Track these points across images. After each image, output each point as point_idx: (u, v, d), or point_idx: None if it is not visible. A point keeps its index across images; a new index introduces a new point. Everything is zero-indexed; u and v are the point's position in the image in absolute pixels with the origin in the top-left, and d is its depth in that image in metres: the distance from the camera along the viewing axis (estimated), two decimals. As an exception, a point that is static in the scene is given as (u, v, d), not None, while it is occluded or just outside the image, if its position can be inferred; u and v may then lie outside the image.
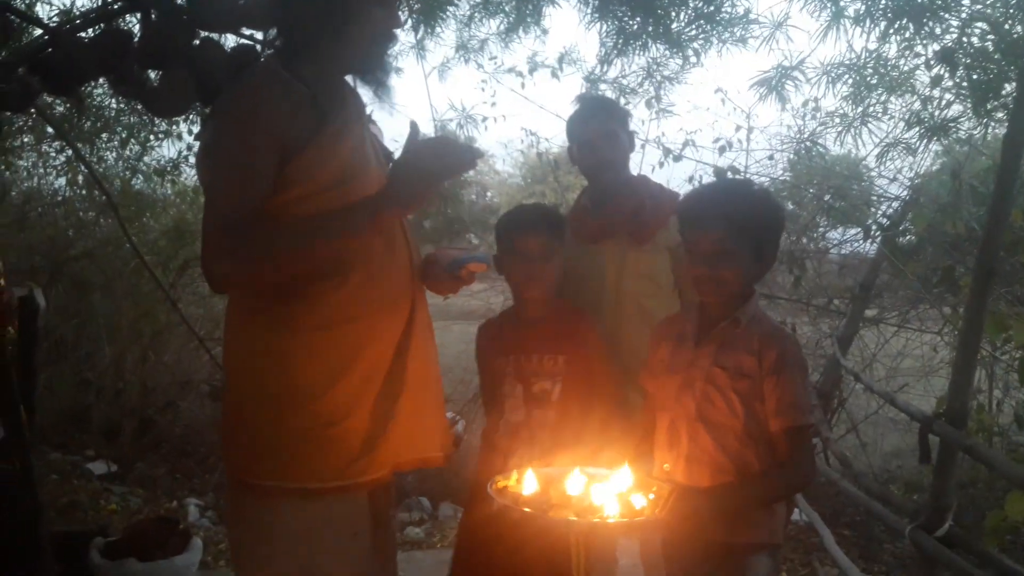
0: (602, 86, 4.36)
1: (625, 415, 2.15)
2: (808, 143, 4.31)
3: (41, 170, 6.00)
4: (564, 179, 7.26)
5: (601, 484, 1.65)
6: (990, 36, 3.41)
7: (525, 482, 1.67)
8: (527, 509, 1.56)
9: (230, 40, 2.85)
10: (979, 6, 3.40)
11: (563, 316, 2.17)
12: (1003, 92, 3.34)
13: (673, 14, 3.80)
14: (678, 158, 4.69)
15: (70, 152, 5.22)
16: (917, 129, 3.80)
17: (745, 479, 1.71)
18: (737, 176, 4.39)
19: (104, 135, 5.45)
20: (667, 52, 4.03)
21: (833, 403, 4.76)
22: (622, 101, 4.23)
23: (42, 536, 2.62)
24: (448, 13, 4.40)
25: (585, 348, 2.14)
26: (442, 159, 1.64)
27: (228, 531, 2.07)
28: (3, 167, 5.37)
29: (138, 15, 2.71)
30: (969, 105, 3.62)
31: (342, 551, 1.70)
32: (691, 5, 3.74)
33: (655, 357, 1.92)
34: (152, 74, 2.78)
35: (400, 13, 1.83)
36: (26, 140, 5.57)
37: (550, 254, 2.13)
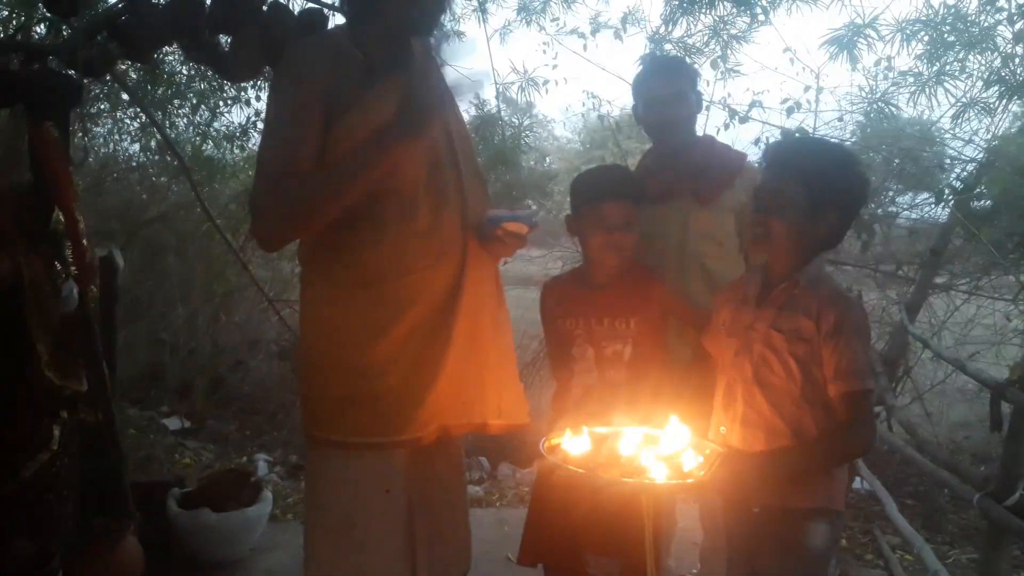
0: (667, 46, 4.29)
1: (690, 375, 2.15)
2: (880, 104, 4.17)
3: (116, 136, 6.20)
4: (625, 144, 7.18)
5: (653, 445, 1.67)
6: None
7: (577, 441, 1.69)
8: (578, 469, 1.58)
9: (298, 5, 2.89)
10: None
11: (633, 278, 2.14)
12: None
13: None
14: (744, 119, 4.58)
15: (144, 119, 5.37)
16: (996, 88, 3.65)
17: (799, 444, 1.69)
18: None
19: (176, 101, 5.59)
20: (734, 10, 3.94)
21: (899, 371, 4.66)
22: (686, 60, 4.15)
23: (125, 486, 2.76)
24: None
25: (655, 309, 2.13)
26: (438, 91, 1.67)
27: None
28: (81, 133, 5.56)
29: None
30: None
31: (373, 507, 1.76)
32: (759, -39, 3.65)
33: (717, 319, 1.92)
34: (223, 39, 2.84)
35: None
36: (102, 107, 5.75)
37: (632, 222, 2.09)
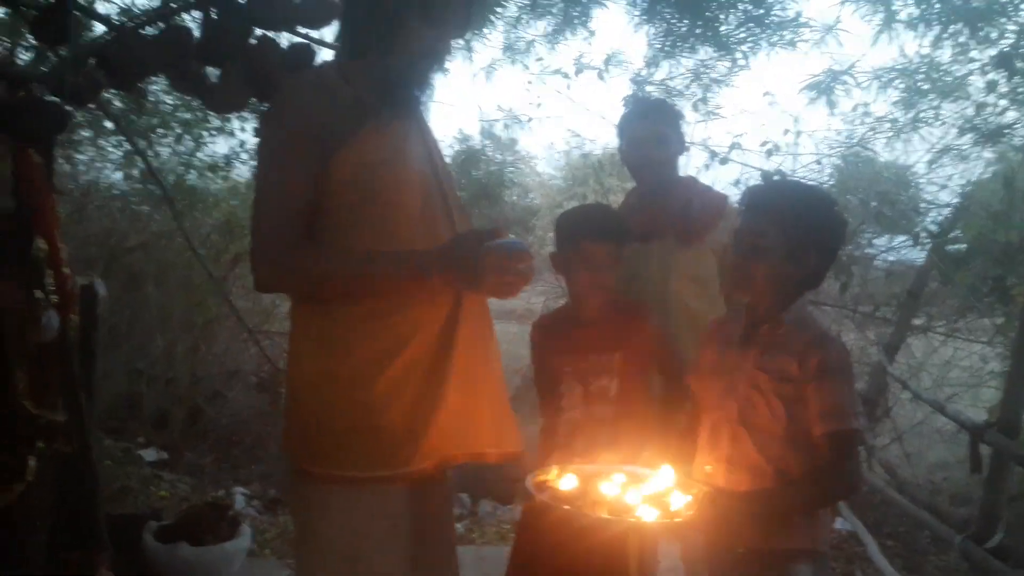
0: (648, 88, 4.36)
1: (675, 413, 2.16)
2: (857, 148, 4.26)
3: (99, 164, 6.18)
4: (607, 181, 7.25)
5: (640, 484, 1.67)
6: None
7: (565, 478, 1.69)
8: (565, 506, 1.59)
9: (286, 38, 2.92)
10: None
11: (618, 313, 2.16)
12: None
13: (722, 16, 3.80)
14: (724, 161, 4.66)
15: (127, 147, 5.36)
16: (970, 135, 3.74)
17: (783, 485, 1.70)
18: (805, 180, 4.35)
19: (160, 130, 5.60)
20: (715, 54, 4.03)
21: (878, 411, 4.69)
22: (670, 102, 4.22)
23: (100, 519, 2.71)
24: (496, 14, 4.45)
25: (639, 345, 2.14)
26: (499, 272, 1.63)
27: (292, 516, 2.13)
28: (63, 160, 5.53)
29: (198, 13, 2.79)
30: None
31: (380, 543, 1.73)
32: (740, 8, 3.74)
33: (703, 358, 1.93)
34: (211, 71, 2.86)
35: (451, 40, 1.87)
36: (85, 135, 5.74)
37: (616, 262, 2.12)
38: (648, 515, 1.56)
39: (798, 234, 1.73)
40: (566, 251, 2.15)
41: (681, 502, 1.62)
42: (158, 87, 5.04)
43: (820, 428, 1.66)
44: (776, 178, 4.14)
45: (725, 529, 1.66)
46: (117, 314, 5.34)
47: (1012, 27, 3.37)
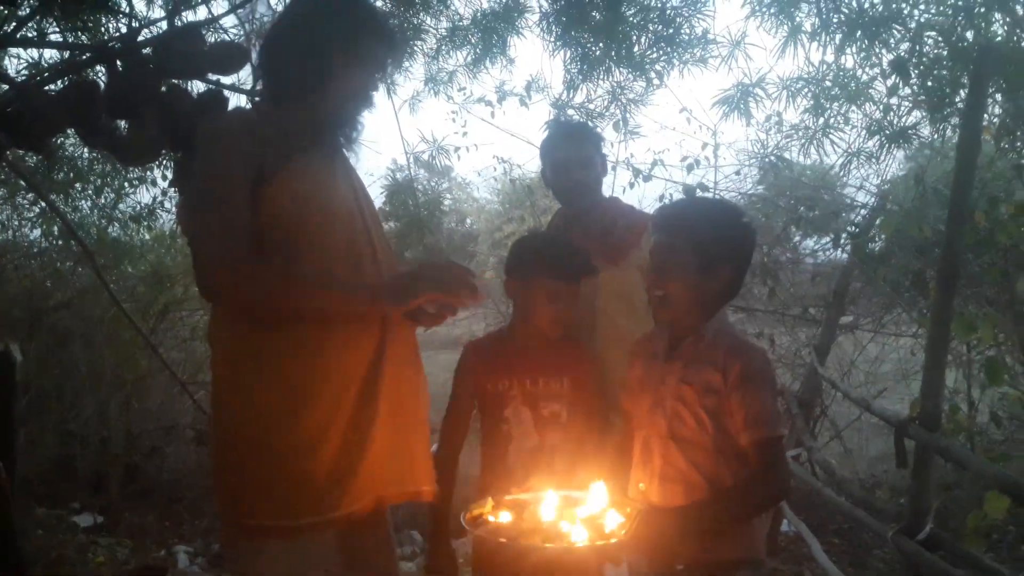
0: (569, 111, 4.43)
1: (608, 436, 2.17)
2: (773, 157, 4.39)
3: (16, 222, 5.99)
4: (540, 203, 7.32)
5: (575, 508, 1.68)
6: (942, 44, 3.50)
7: (500, 510, 1.69)
8: (501, 539, 1.59)
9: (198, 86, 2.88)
10: (929, 15, 3.50)
11: (562, 338, 2.18)
12: (957, 99, 3.43)
13: (634, 38, 3.88)
14: (648, 178, 4.75)
15: (44, 204, 5.21)
16: (878, 137, 3.88)
17: (713, 496, 1.72)
18: (700, 193, 4.45)
19: (78, 185, 5.46)
20: (631, 75, 4.10)
21: (815, 412, 4.80)
22: (590, 125, 4.29)
23: (27, 591, 2.60)
24: (416, 47, 4.47)
25: (584, 370, 2.17)
26: (446, 285, 1.72)
27: (226, 570, 2.08)
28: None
29: (104, 66, 2.74)
30: (926, 112, 3.70)
31: None
32: (651, 29, 3.82)
33: (631, 375, 1.95)
34: (122, 123, 2.80)
35: (379, 80, 1.89)
36: (-1, 193, 5.57)
37: (576, 296, 2.14)
38: (581, 539, 1.57)
39: (709, 249, 1.76)
40: (530, 284, 2.14)
41: (615, 522, 1.63)
42: (72, 141, 4.92)
43: (746, 436, 1.69)
44: (688, 195, 4.24)
45: (662, 546, 1.67)
46: (44, 376, 5.15)
47: (906, 32, 3.51)
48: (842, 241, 4.56)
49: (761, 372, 1.73)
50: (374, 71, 1.85)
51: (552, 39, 4.03)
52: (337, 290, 1.72)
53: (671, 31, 3.81)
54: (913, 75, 3.36)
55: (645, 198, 4.99)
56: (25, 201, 5.72)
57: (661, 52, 3.87)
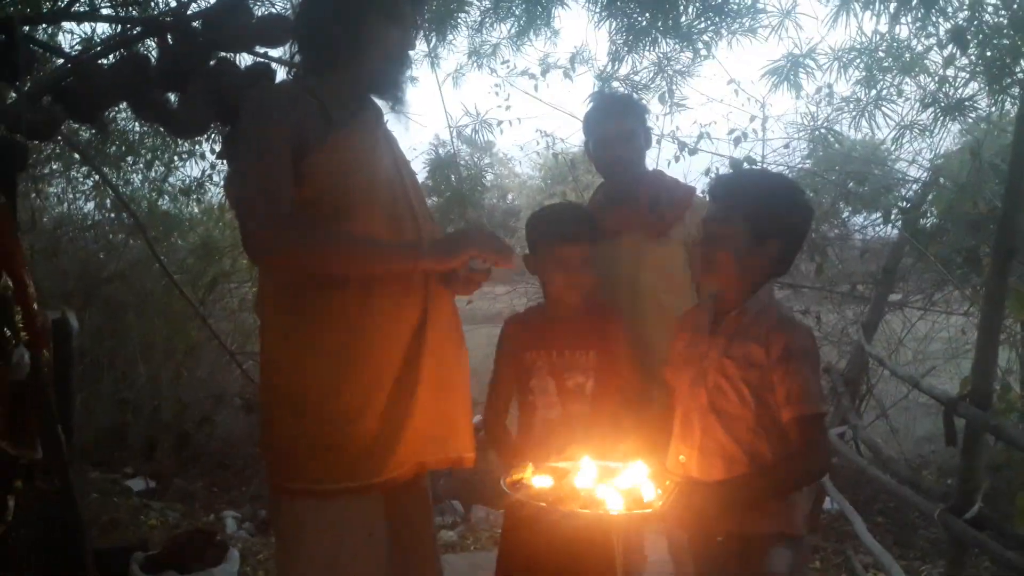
0: (614, 84, 4.38)
1: (646, 409, 2.17)
2: (823, 130, 4.29)
3: (71, 195, 6.15)
4: (583, 178, 7.28)
5: (614, 477, 1.68)
6: (1002, 12, 3.38)
7: (539, 477, 1.71)
8: (540, 503, 1.61)
9: (246, 59, 2.91)
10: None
11: (592, 312, 2.19)
12: (1017, 69, 3.31)
13: (681, 7, 3.81)
14: (693, 151, 4.69)
15: (98, 177, 5.34)
16: (932, 109, 3.77)
17: (753, 471, 1.71)
18: (747, 167, 4.38)
19: (129, 158, 5.58)
20: (677, 46, 4.05)
21: (862, 390, 4.72)
22: (634, 97, 4.24)
23: (86, 554, 2.69)
24: (459, 20, 4.46)
25: (613, 344, 2.16)
26: (485, 243, 1.78)
27: (273, 532, 2.15)
28: (33, 195, 5.51)
29: (155, 40, 2.78)
30: (984, 83, 3.59)
31: (357, 552, 1.75)
32: (698, -2, 3.76)
33: (674, 349, 1.94)
34: (172, 96, 2.85)
35: (414, 34, 1.90)
36: (55, 167, 5.71)
37: (589, 261, 2.13)
38: (619, 507, 1.58)
39: (761, 222, 1.75)
40: (538, 253, 2.17)
41: (653, 493, 1.63)
42: (124, 115, 5.02)
43: (787, 412, 1.68)
44: (745, 167, 4.16)
45: (701, 519, 1.67)
46: (98, 346, 5.32)
47: (965, 1, 3.40)
48: (892, 217, 4.45)
49: (804, 348, 1.71)
50: (408, 29, 1.85)
51: (597, 9, 3.99)
52: (381, 247, 1.74)
53: (719, 0, 3.74)
54: (971, 45, 3.25)
55: (690, 172, 4.93)
56: (79, 175, 5.86)
57: (709, 22, 3.81)
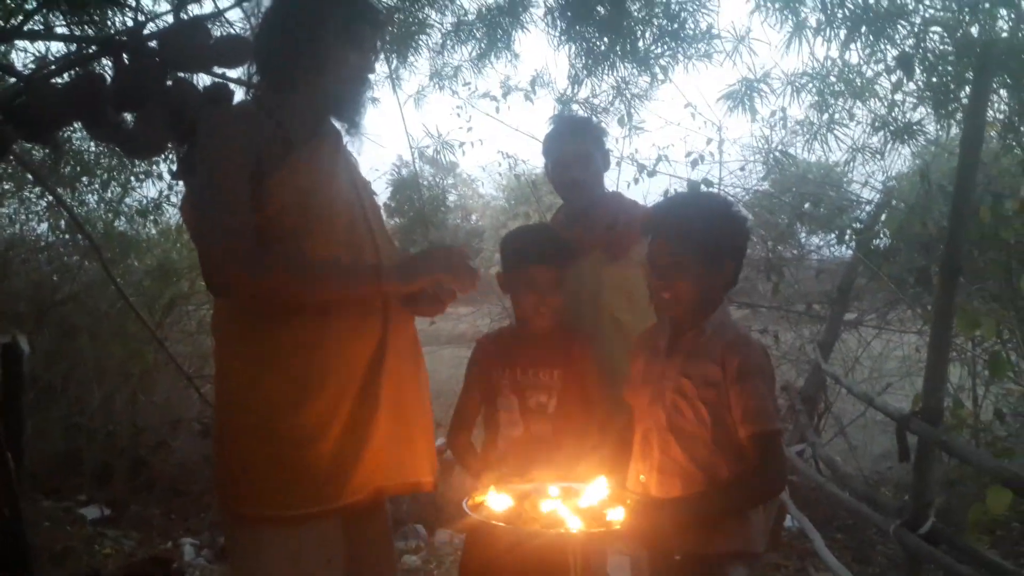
0: (574, 106, 4.43)
1: (609, 429, 2.18)
2: (778, 152, 4.39)
3: (23, 216, 6.03)
4: (546, 199, 7.33)
5: (575, 498, 1.69)
6: (947, 40, 3.49)
7: (500, 498, 1.71)
8: (500, 523, 1.61)
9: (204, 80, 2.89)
10: (934, 10, 3.48)
11: (559, 332, 2.21)
12: (962, 94, 3.42)
13: (639, 32, 3.88)
14: (652, 173, 4.76)
15: (51, 197, 5.24)
16: (882, 133, 3.88)
17: (710, 489, 1.73)
18: (705, 189, 4.45)
19: (85, 178, 5.49)
20: (635, 71, 4.11)
21: (820, 408, 4.79)
22: (592, 120, 4.30)
23: (34, 583, 2.62)
24: (420, 42, 4.48)
25: (578, 363, 2.18)
26: (448, 266, 1.78)
27: (228, 561, 2.11)
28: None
29: (111, 59, 2.75)
30: (931, 108, 3.69)
31: None
32: (655, 23, 3.82)
33: (633, 369, 1.96)
34: (128, 116, 2.82)
35: (374, 58, 1.90)
36: (7, 187, 5.60)
37: (559, 284, 2.16)
38: (578, 526, 1.59)
39: (713, 246, 1.78)
40: (512, 272, 2.20)
41: (613, 513, 1.64)
42: (80, 135, 4.95)
43: (744, 430, 1.70)
44: (677, 193, 4.22)
45: (659, 537, 1.68)
46: (51, 369, 5.19)
47: (912, 28, 3.50)
48: (847, 238, 4.56)
49: (759, 367, 1.74)
50: (368, 52, 1.86)
51: (557, 34, 4.04)
52: (343, 271, 1.73)
53: (675, 26, 3.81)
54: (918, 71, 3.35)
55: (650, 194, 5.00)
56: (32, 195, 5.75)
57: (666, 47, 3.87)
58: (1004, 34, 3.35)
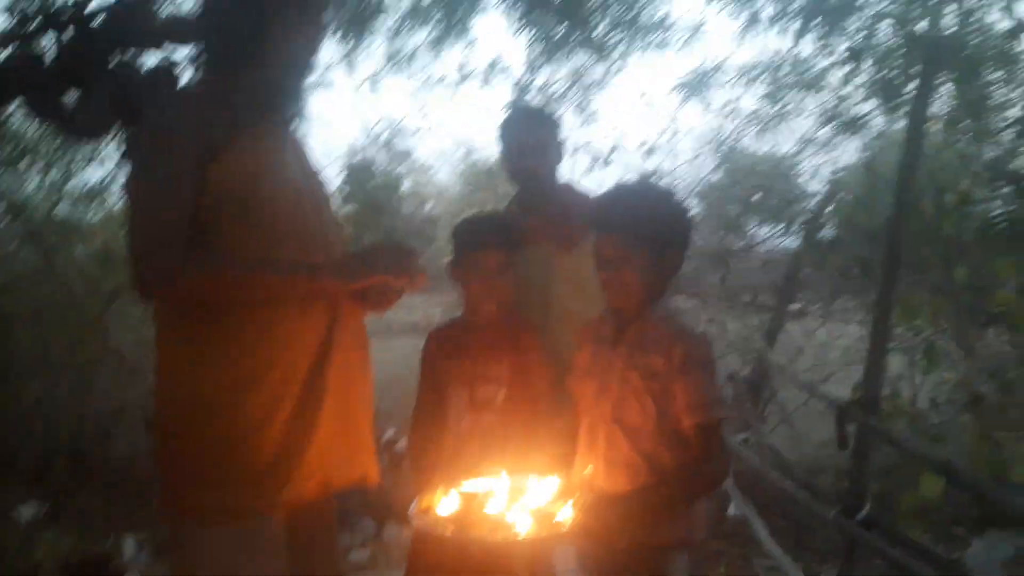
0: (530, 94, 4.44)
1: (558, 420, 2.18)
2: (730, 143, 4.45)
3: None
4: (502, 187, 7.31)
5: (523, 496, 1.68)
6: (899, 33, 3.56)
7: (447, 501, 1.70)
8: (446, 532, 1.60)
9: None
10: (885, 3, 3.54)
11: (507, 322, 2.20)
12: (909, 88, 3.49)
13: (594, 20, 3.90)
14: (607, 163, 4.79)
15: (-13, 181, 5.07)
16: (831, 125, 3.95)
17: (656, 481, 1.73)
18: (653, 179, 4.49)
19: (25, 160, 5.31)
20: (591, 58, 4.13)
21: (764, 396, 4.88)
22: (550, 108, 4.30)
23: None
24: (376, 25, 4.44)
25: (526, 354, 2.17)
26: (390, 264, 1.75)
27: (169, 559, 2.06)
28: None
29: (54, 34, 2.66)
30: (880, 101, 3.77)
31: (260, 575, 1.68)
32: (611, 12, 3.84)
33: (578, 360, 1.96)
34: (68, 98, 2.73)
35: (320, 41, 1.86)
36: (-59, 169, 5.39)
37: (508, 268, 2.14)
38: (526, 529, 1.59)
39: (658, 236, 1.78)
40: (460, 259, 2.18)
41: (562, 512, 1.64)
42: (19, 115, 4.78)
43: (688, 420, 1.71)
44: (622, 184, 4.25)
45: (607, 530, 1.69)
46: (-14, 360, 5.01)
47: (865, 21, 3.56)
48: (794, 228, 4.64)
49: (703, 357, 1.75)
50: (316, 34, 1.82)
51: (516, 17, 4.04)
52: (280, 272, 1.69)
53: (632, 15, 3.83)
54: (867, 65, 3.41)
55: (603, 183, 5.02)
56: (-32, 178, 5.54)
57: (621, 35, 3.90)
58: (952, 29, 3.43)
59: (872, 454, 2.44)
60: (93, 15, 2.62)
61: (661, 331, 1.78)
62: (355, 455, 1.83)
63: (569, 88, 4.55)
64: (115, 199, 5.74)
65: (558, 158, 2.62)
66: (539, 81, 4.50)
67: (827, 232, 4.68)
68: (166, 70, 2.66)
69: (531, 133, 2.52)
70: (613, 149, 4.81)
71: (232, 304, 1.66)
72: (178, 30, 2.64)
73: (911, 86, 3.49)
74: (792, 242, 5.02)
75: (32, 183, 5.60)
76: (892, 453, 3.29)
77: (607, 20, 3.97)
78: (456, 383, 2.16)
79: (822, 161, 4.89)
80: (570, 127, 4.57)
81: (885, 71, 3.55)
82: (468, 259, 2.15)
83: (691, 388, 1.71)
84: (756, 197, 4.91)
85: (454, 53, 4.69)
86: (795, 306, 5.05)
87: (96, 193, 5.64)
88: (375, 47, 4.60)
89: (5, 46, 2.90)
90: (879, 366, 2.40)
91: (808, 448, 5.04)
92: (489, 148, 6.34)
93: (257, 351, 1.67)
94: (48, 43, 2.92)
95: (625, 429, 1.77)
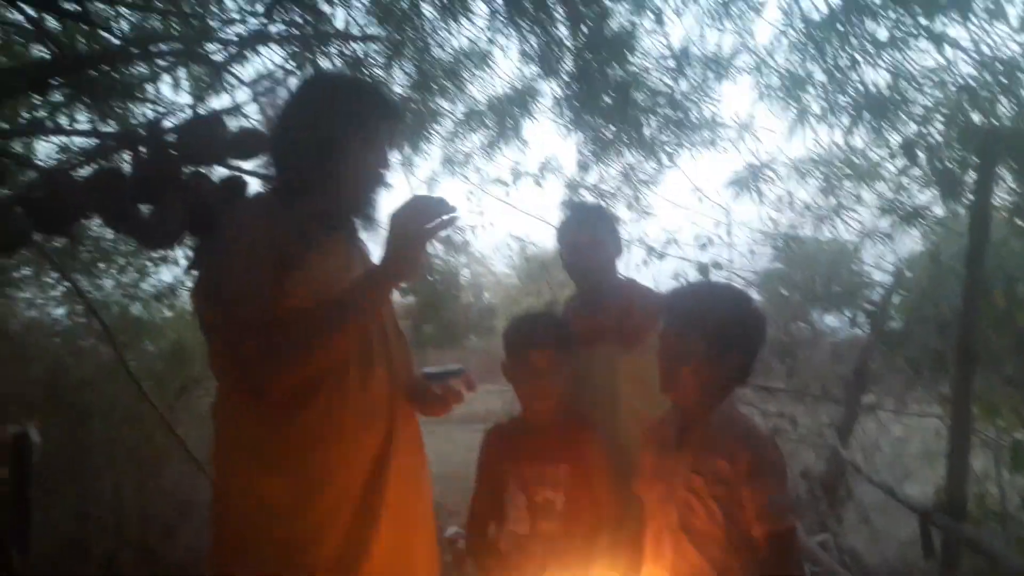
0: (582, 191, 4.51)
1: (623, 527, 2.11)
2: (787, 236, 4.42)
3: (41, 300, 6.09)
4: (558, 276, 7.36)
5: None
6: (951, 126, 3.54)
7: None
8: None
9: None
10: (935, 97, 3.54)
11: (566, 424, 2.15)
12: (967, 177, 3.44)
13: (644, 121, 3.97)
14: (661, 256, 4.79)
15: (68, 283, 5.31)
16: (892, 217, 3.90)
17: None
18: (714, 272, 4.47)
19: (101, 264, 5.56)
20: (641, 157, 4.19)
21: (840, 494, 4.67)
22: (603, 206, 4.35)
23: None
24: (433, 130, 4.60)
25: (587, 458, 2.12)
26: (418, 220, 1.66)
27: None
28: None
29: (130, 152, 2.81)
30: (937, 191, 3.72)
31: None
32: (660, 113, 3.91)
33: (643, 463, 1.92)
34: (144, 208, 2.86)
35: (390, 153, 1.90)
36: (25, 272, 5.68)
37: (559, 368, 2.12)
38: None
39: (718, 335, 1.76)
40: (511, 359, 2.17)
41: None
42: (97, 223, 5.04)
43: (758, 528, 1.65)
44: (701, 276, 4.24)
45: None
46: (61, 454, 5.14)
47: (916, 113, 3.55)
48: (859, 320, 4.53)
49: (771, 462, 1.71)
50: (384, 150, 1.84)
51: (565, 122, 4.14)
52: (345, 301, 1.66)
53: (680, 115, 3.90)
54: (922, 156, 3.38)
55: (659, 276, 5.02)
56: (51, 280, 5.82)
57: (671, 135, 3.96)
58: (1008, 119, 3.39)
59: (962, 562, 2.29)
60: (168, 131, 2.77)
61: (726, 433, 1.74)
62: (408, 565, 1.79)
63: (621, 185, 4.61)
64: (184, 298, 5.95)
65: (617, 252, 2.61)
66: (591, 179, 4.58)
67: (895, 322, 4.56)
68: (238, 180, 2.78)
69: (585, 230, 2.53)
70: (668, 242, 4.83)
71: (319, 365, 1.64)
72: (247, 145, 2.77)
73: (970, 173, 3.45)
74: (859, 331, 4.89)
75: (109, 283, 5.85)
76: (982, 559, 3.09)
77: (656, 120, 4.04)
78: (514, 487, 2.11)
79: (883, 250, 4.80)
80: (624, 222, 4.60)
81: (939, 163, 3.51)
82: (518, 359, 2.14)
83: (759, 495, 1.65)
84: (822, 286, 4.82)
85: (508, 154, 4.82)
86: (868, 399, 4.88)
87: (165, 294, 5.85)
88: (432, 150, 4.76)
89: (87, 162, 3.08)
90: (963, 468, 2.29)
91: (890, 550, 4.77)
92: (543, 243, 6.41)
93: (317, 460, 1.66)
94: (126, 160, 3.11)
95: (693, 536, 1.72)
